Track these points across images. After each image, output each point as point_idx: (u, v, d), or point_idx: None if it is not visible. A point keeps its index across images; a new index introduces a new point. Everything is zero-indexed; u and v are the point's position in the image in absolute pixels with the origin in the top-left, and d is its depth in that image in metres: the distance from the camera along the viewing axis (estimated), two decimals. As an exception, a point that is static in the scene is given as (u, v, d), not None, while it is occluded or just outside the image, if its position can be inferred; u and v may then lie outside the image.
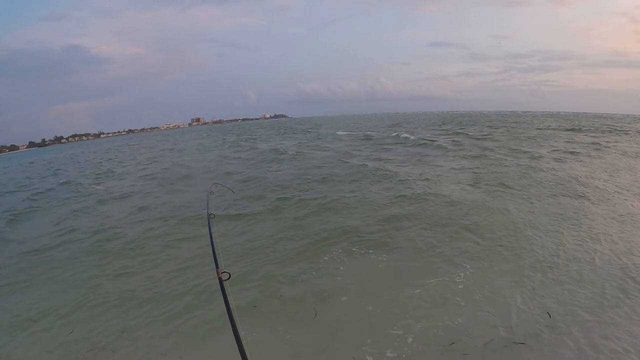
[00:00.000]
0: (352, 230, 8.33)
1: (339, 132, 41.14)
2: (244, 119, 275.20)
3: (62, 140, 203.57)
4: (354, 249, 7.42)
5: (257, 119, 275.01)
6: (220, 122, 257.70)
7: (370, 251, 7.29)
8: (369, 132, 37.44)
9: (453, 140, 25.55)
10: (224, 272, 2.44)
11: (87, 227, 10.68)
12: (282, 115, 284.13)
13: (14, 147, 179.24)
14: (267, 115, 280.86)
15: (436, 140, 25.42)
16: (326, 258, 7.15)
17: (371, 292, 5.78)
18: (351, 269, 6.62)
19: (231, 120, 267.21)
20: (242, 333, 1.89)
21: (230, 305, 2.14)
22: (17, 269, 8.10)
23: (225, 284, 2.38)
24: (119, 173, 23.21)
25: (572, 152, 18.52)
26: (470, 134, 30.66)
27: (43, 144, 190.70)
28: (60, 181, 21.47)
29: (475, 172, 13.89)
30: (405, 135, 30.97)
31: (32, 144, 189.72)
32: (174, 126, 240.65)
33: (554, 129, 34.57)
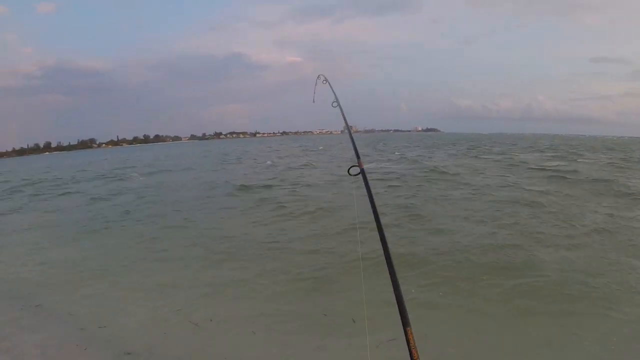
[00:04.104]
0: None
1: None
2: (395, 130, 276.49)
3: (221, 136, 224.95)
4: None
5: (408, 131, 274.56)
6: (372, 131, 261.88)
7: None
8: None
9: None
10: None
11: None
12: (434, 129, 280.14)
13: (177, 138, 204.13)
14: (419, 128, 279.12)
15: None
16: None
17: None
18: None
19: (382, 131, 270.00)
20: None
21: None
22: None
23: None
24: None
25: None
26: None
27: (203, 137, 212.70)
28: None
29: None
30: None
31: (193, 137, 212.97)
32: (326, 132, 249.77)
33: None
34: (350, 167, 2.52)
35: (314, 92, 3.46)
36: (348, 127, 2.83)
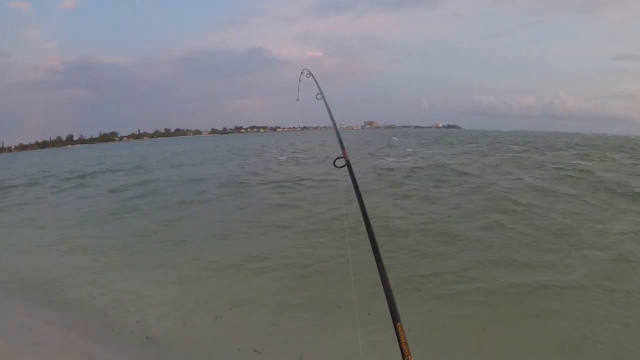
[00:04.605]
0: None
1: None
2: (416, 126, 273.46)
3: (242, 130, 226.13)
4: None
5: (429, 127, 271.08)
6: (392, 127, 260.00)
7: None
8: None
9: None
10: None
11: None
12: (455, 126, 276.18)
13: (197, 132, 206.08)
14: (440, 125, 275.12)
15: None
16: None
17: None
18: None
19: (403, 127, 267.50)
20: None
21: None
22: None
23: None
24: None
25: None
26: None
27: (224, 131, 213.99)
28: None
29: None
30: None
31: (214, 131, 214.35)
32: (346, 127, 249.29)
33: None
34: (336, 159, 2.49)
35: (298, 90, 3.52)
36: (333, 120, 2.84)
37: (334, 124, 2.83)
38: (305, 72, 3.41)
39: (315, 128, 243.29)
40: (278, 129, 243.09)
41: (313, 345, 4.47)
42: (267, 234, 8.88)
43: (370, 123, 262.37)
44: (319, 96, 3.06)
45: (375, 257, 1.88)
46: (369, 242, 1.96)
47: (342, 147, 2.60)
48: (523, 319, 4.90)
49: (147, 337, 4.80)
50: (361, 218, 2.11)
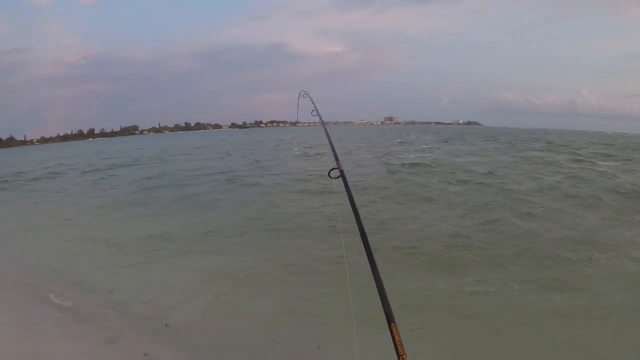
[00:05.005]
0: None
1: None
2: (436, 122, 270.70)
3: (261, 125, 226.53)
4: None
5: (450, 123, 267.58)
6: (412, 123, 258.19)
7: None
8: None
9: None
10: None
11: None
12: (476, 123, 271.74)
13: (217, 126, 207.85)
14: (460, 121, 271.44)
15: None
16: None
17: None
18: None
19: (424, 123, 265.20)
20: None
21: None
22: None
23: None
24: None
25: None
26: None
27: (243, 126, 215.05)
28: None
29: None
30: None
31: (233, 125, 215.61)
32: (366, 123, 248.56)
33: None
34: (330, 169, 2.53)
35: (297, 110, 3.66)
36: (326, 132, 2.98)
37: (328, 138, 2.92)
38: (302, 93, 3.56)
39: (335, 123, 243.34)
40: (298, 124, 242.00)
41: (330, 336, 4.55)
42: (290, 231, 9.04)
43: (390, 119, 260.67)
44: (314, 113, 3.21)
45: (369, 260, 1.93)
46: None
47: (337, 159, 2.64)
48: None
49: (166, 324, 5.03)
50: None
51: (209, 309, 5.46)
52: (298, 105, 3.59)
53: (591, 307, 5.20)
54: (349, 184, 2.48)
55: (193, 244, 8.29)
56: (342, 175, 2.51)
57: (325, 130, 3.07)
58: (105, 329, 4.85)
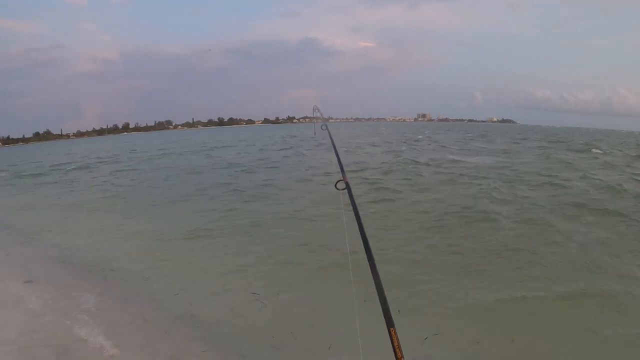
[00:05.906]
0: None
1: None
2: (469, 120, 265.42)
3: (294, 121, 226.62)
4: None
5: (483, 121, 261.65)
6: (446, 120, 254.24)
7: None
8: None
9: None
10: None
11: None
12: (510, 121, 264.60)
13: (250, 122, 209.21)
14: (494, 119, 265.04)
15: None
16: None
17: None
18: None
19: (457, 120, 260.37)
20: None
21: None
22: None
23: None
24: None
25: None
26: None
27: (276, 121, 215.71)
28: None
29: None
30: None
31: (266, 120, 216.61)
32: (399, 119, 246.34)
33: None
34: (337, 181, 2.65)
35: (314, 127, 3.91)
36: (334, 145, 3.18)
37: (336, 152, 3.17)
38: (315, 107, 3.89)
39: (368, 119, 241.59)
40: (330, 120, 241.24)
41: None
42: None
43: (424, 115, 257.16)
44: (324, 127, 3.50)
45: (370, 264, 2.00)
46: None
47: (343, 172, 2.81)
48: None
49: (191, 315, 5.44)
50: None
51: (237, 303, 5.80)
52: (314, 122, 3.92)
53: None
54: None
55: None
56: (348, 187, 2.63)
57: (333, 144, 3.29)
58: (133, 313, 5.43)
